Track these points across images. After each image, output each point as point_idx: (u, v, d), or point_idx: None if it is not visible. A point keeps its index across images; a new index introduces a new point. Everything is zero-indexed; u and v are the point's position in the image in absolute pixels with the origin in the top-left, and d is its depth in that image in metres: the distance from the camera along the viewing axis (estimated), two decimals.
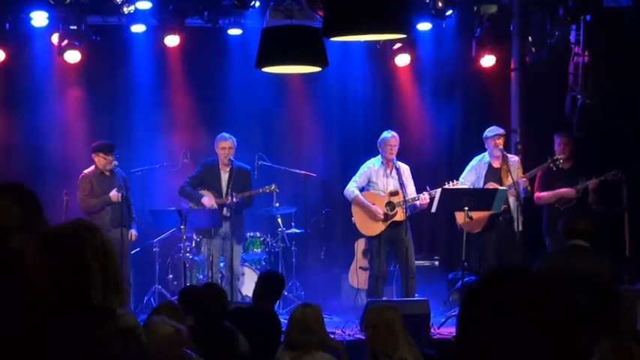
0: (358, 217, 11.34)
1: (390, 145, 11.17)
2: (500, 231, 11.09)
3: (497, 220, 11.05)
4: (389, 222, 11.18)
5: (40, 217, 3.48)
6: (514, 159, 11.43)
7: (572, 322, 2.06)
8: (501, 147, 11.22)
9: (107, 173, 11.33)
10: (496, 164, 11.27)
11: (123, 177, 11.46)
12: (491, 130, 11.32)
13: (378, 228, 11.21)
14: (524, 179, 11.06)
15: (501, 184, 11.04)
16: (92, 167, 11.40)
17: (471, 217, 10.82)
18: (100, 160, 11.28)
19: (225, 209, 11.35)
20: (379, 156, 11.32)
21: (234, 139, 11.46)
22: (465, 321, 2.10)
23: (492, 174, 11.26)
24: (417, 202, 11.10)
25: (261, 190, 11.55)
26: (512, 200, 11.02)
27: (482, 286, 2.11)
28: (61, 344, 2.98)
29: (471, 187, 11.21)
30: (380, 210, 11.15)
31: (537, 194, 11.29)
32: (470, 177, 11.37)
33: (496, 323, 2.03)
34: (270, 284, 7.82)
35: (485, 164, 11.35)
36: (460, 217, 10.93)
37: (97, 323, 3.02)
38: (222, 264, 11.67)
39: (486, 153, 11.39)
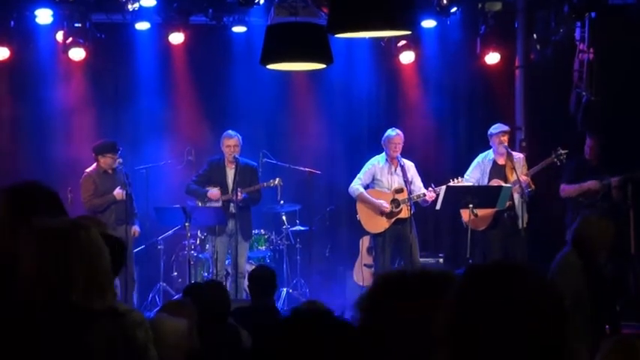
0: (363, 214, 11.34)
1: (394, 143, 11.17)
2: (505, 228, 11.08)
3: (502, 217, 11.03)
4: (393, 219, 11.18)
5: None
6: (519, 156, 11.40)
7: (563, 314, 2.11)
8: (506, 144, 11.20)
9: (110, 172, 11.33)
10: (501, 161, 11.25)
11: (125, 173, 11.45)
12: (496, 128, 11.31)
13: (383, 225, 11.20)
14: (526, 177, 11.03)
15: (506, 181, 11.03)
16: (94, 166, 11.38)
17: (476, 215, 10.81)
18: (107, 160, 11.25)
19: (232, 206, 11.33)
20: (384, 153, 11.31)
21: (240, 136, 11.45)
22: (461, 308, 2.12)
23: (497, 171, 11.24)
24: (426, 197, 11.10)
25: (265, 185, 11.54)
26: (516, 197, 11.00)
27: (481, 276, 2.14)
28: (40, 340, 3.01)
29: (476, 184, 11.19)
30: (386, 203, 11.14)
31: (563, 186, 11.26)
32: (475, 174, 11.36)
33: (492, 311, 2.06)
34: (258, 280, 7.81)
35: (489, 161, 11.33)
36: (465, 214, 10.93)
37: (75, 322, 3.03)
38: (228, 261, 11.66)
39: (491, 150, 11.37)
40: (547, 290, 2.11)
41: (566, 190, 11.27)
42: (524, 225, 10.87)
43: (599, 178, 11.06)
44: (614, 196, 11.05)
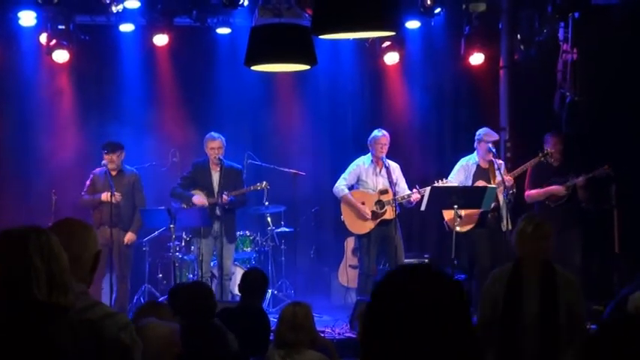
0: (347, 216, 11.33)
1: (380, 144, 11.16)
2: (489, 229, 11.07)
3: (486, 218, 11.03)
4: (378, 220, 11.17)
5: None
6: (499, 162, 11.33)
7: (465, 310, 2.32)
8: (493, 147, 11.14)
9: (114, 173, 11.32)
10: (484, 165, 11.23)
11: (132, 177, 11.46)
12: (487, 134, 11.21)
13: (367, 226, 11.20)
14: (511, 179, 11.00)
15: (490, 183, 11.02)
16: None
17: (460, 216, 10.81)
18: (105, 158, 11.31)
19: (217, 209, 11.30)
20: (369, 154, 11.31)
21: (223, 138, 11.43)
22: (373, 314, 2.33)
23: (481, 174, 11.21)
24: (411, 199, 11.10)
25: (252, 188, 11.51)
26: (501, 198, 10.99)
27: (389, 280, 2.36)
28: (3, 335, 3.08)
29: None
30: (367, 210, 11.14)
31: (527, 192, 11.27)
32: (459, 177, 11.32)
33: (400, 312, 2.27)
34: (251, 282, 7.81)
35: (473, 165, 11.29)
36: (447, 214, 10.92)
37: (41, 318, 3.13)
38: (213, 263, 11.64)
39: (474, 154, 11.32)
40: (451, 290, 2.32)
41: (531, 195, 11.26)
42: (509, 227, 10.86)
43: (563, 180, 11.07)
44: (580, 196, 11.07)
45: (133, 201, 11.47)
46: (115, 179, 11.29)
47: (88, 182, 11.44)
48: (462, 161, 11.42)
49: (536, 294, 6.18)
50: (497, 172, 10.96)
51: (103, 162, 11.27)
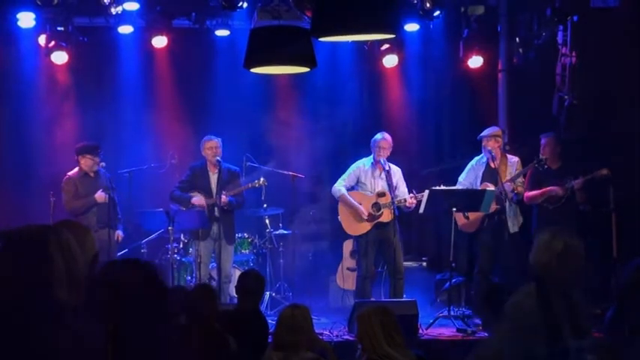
0: (344, 217, 11.32)
1: (379, 147, 11.14)
2: (490, 232, 11.04)
3: (493, 220, 11.00)
4: (374, 222, 11.15)
5: None
6: (513, 160, 11.31)
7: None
8: (490, 148, 11.12)
9: (92, 174, 11.32)
10: (494, 164, 11.21)
11: (109, 178, 11.44)
12: (486, 131, 11.23)
13: (364, 228, 11.18)
14: (510, 183, 11.00)
15: (497, 185, 11.01)
16: (76, 169, 11.39)
17: (467, 217, 10.81)
18: (87, 161, 11.26)
19: (216, 210, 11.30)
20: (370, 156, 11.29)
21: (220, 139, 11.44)
22: None
23: (489, 174, 11.17)
24: (407, 204, 11.08)
25: (250, 185, 11.52)
26: (506, 203, 10.97)
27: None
28: (24, 335, 3.08)
29: (469, 187, 11.16)
30: (365, 210, 11.13)
31: (526, 193, 11.28)
32: (469, 177, 11.32)
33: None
34: (247, 284, 7.81)
35: (482, 164, 11.27)
36: (459, 217, 10.90)
37: (59, 316, 3.13)
38: (211, 265, 11.63)
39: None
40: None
41: (530, 196, 11.28)
42: (515, 229, 10.89)
43: (561, 182, 11.08)
44: (578, 199, 11.07)
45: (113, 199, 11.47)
46: (99, 179, 11.30)
47: (70, 188, 11.31)
48: (473, 161, 11.42)
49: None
50: (500, 174, 10.92)
51: (102, 164, 11.27)
